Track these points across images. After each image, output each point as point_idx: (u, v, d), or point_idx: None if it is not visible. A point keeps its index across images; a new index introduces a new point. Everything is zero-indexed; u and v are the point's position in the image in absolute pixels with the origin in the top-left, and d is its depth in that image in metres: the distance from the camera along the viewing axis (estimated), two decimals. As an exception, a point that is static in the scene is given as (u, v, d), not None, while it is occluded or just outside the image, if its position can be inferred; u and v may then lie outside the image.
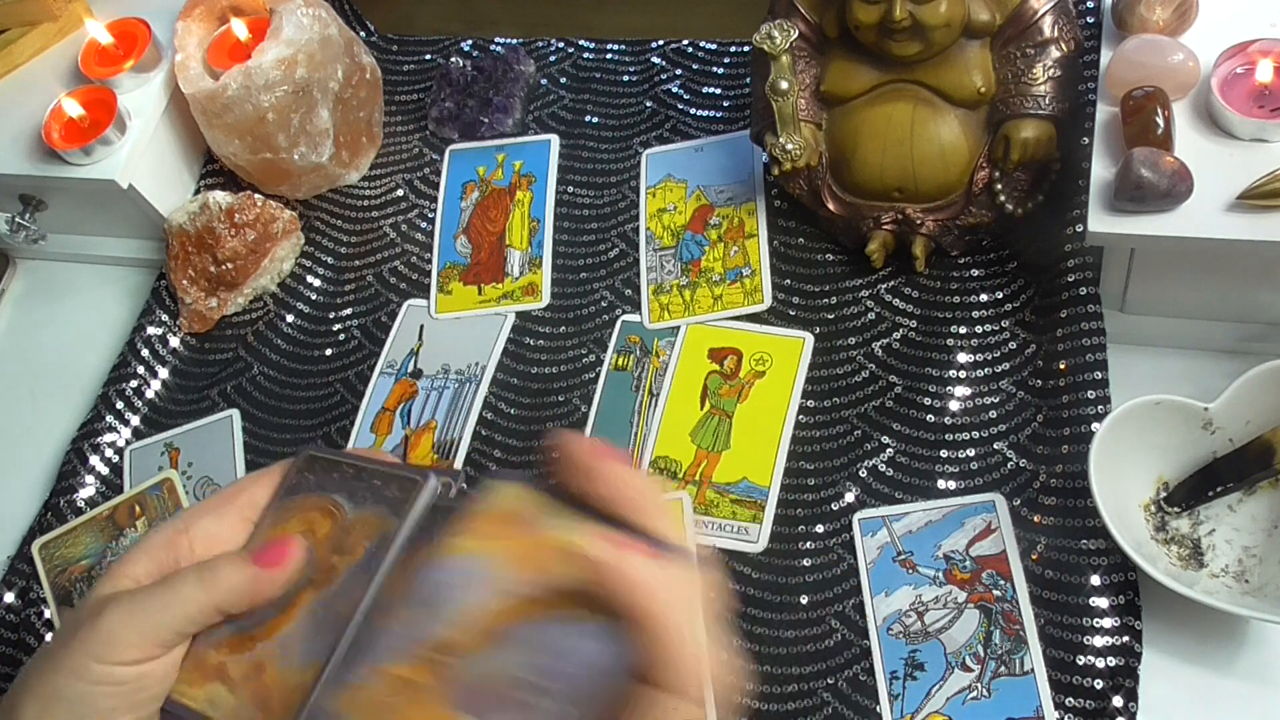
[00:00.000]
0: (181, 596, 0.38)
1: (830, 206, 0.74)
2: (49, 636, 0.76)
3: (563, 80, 0.92)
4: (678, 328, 0.77)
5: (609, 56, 0.92)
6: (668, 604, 0.33)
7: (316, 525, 0.41)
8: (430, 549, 0.37)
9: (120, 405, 0.84)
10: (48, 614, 0.77)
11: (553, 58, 0.94)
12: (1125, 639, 0.59)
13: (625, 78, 0.91)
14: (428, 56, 0.97)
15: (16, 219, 0.88)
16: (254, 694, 0.39)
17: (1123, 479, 0.61)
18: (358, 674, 0.36)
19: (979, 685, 0.61)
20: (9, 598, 0.79)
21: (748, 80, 0.87)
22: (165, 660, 0.39)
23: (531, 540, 0.35)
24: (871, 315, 0.75)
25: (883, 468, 0.69)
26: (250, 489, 0.43)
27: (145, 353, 0.86)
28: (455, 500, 0.39)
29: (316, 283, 0.88)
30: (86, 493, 0.81)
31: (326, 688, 0.37)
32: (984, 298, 0.73)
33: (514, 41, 0.94)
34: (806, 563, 0.68)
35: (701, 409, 0.74)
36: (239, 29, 0.86)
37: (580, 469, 0.35)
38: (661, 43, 0.91)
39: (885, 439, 0.70)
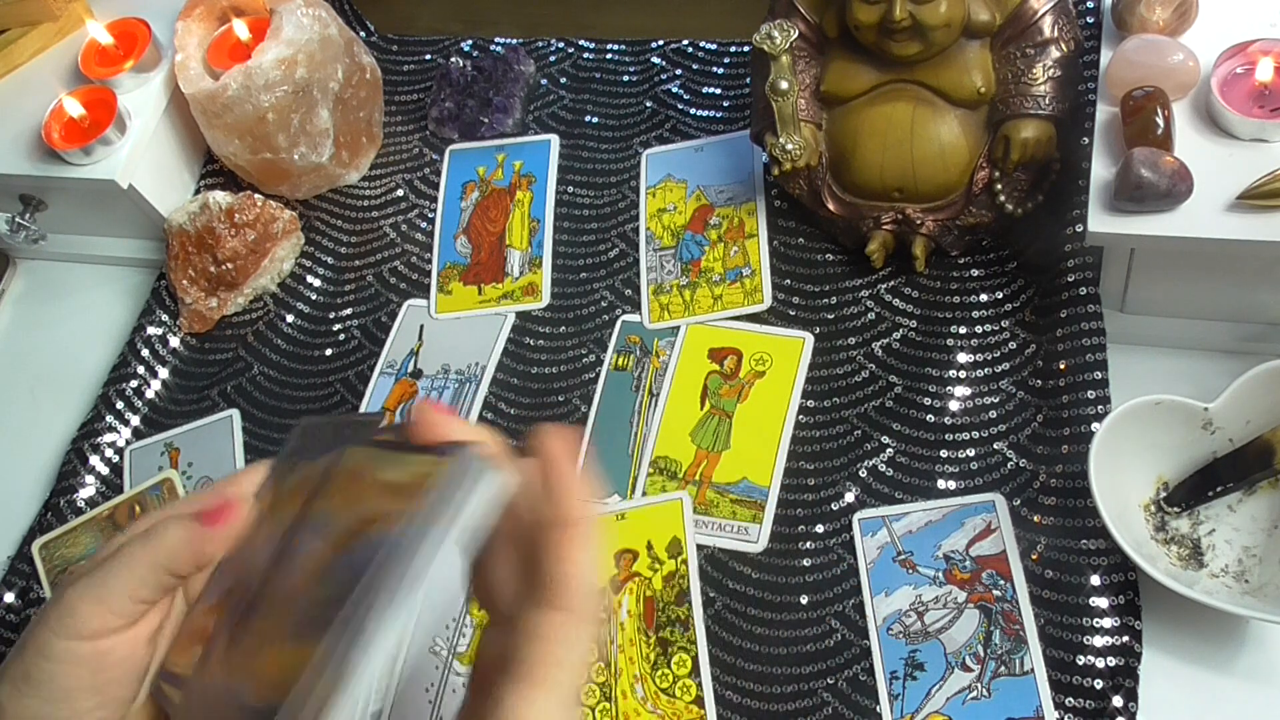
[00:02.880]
0: (126, 557, 0.38)
1: (830, 206, 0.74)
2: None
3: (563, 80, 0.92)
4: (678, 328, 0.77)
5: (609, 56, 0.92)
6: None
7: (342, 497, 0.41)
8: (301, 517, 0.40)
9: (120, 405, 0.84)
10: (48, 614, 0.77)
11: (553, 58, 0.94)
12: (1125, 639, 0.59)
13: (625, 78, 0.91)
14: (428, 56, 0.97)
15: (16, 219, 0.88)
16: (259, 665, 0.38)
17: (1123, 479, 0.61)
18: (234, 636, 0.39)
19: (979, 685, 0.61)
20: (9, 598, 0.79)
21: (748, 80, 0.87)
22: (127, 637, 0.38)
23: (361, 486, 0.39)
24: (871, 315, 0.75)
25: (883, 468, 0.69)
26: (239, 482, 0.43)
27: (145, 353, 0.86)
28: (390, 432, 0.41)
29: (316, 283, 0.88)
30: (86, 493, 0.81)
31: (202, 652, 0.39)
32: (984, 298, 0.73)
33: (514, 41, 0.94)
34: (806, 563, 0.68)
35: (701, 409, 0.74)
36: (239, 29, 0.86)
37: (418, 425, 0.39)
38: (661, 43, 0.91)
39: (885, 439, 0.70)
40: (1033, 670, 0.60)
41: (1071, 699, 0.59)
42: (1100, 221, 0.62)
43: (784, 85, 0.67)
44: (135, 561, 0.38)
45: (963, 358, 0.71)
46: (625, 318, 0.79)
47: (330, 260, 0.88)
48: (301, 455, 0.43)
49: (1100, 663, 0.59)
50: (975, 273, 0.74)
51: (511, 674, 0.36)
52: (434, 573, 0.36)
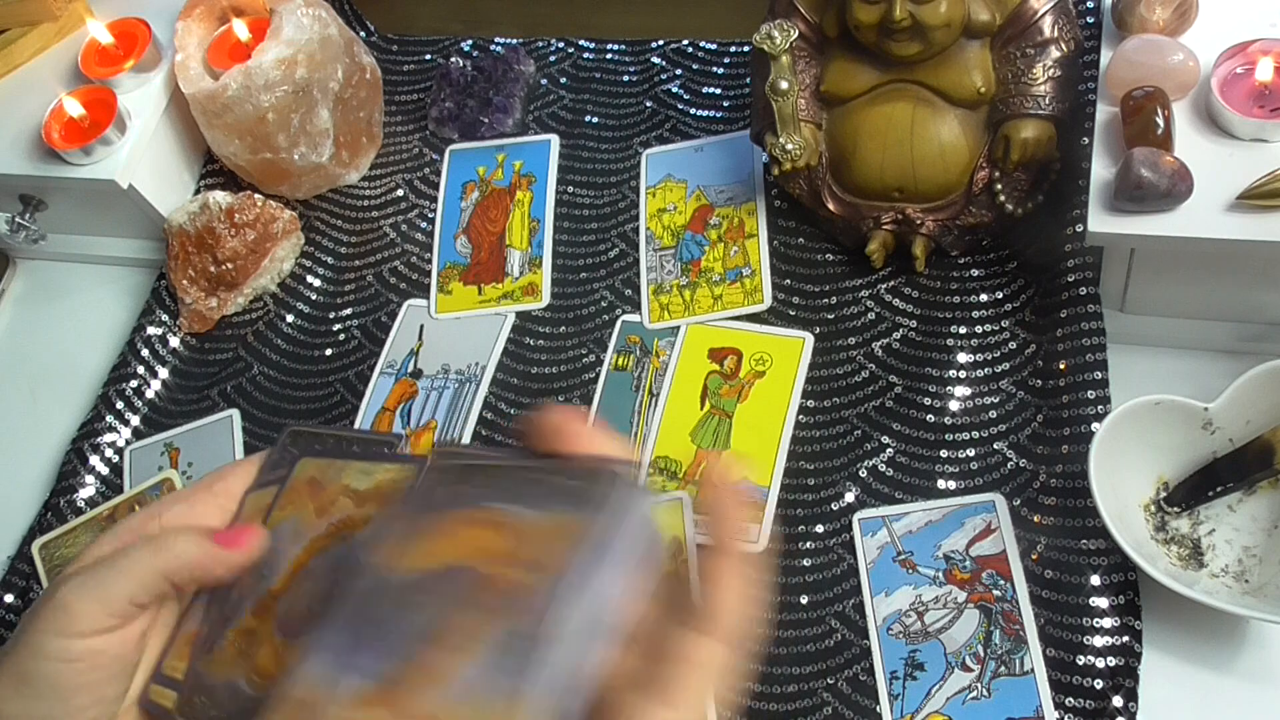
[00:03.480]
0: (131, 561, 0.38)
1: (830, 206, 0.74)
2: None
3: (563, 80, 0.92)
4: (678, 328, 0.77)
5: (609, 56, 0.92)
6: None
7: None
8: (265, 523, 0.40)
9: (120, 405, 0.84)
10: (48, 614, 0.77)
11: (553, 58, 0.94)
12: (1125, 639, 0.59)
13: (625, 78, 0.91)
14: (428, 56, 0.97)
15: (16, 219, 0.88)
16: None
17: (1123, 479, 0.61)
18: (221, 636, 0.39)
19: (979, 685, 0.61)
20: (9, 598, 0.79)
21: (748, 80, 0.87)
22: (120, 636, 0.38)
23: (325, 494, 0.40)
24: (871, 315, 0.75)
25: (883, 468, 0.69)
26: (227, 478, 0.43)
27: (145, 353, 0.86)
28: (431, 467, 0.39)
29: (316, 283, 0.88)
30: (86, 493, 0.81)
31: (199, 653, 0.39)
32: (984, 298, 0.73)
33: (514, 41, 0.94)
34: (806, 563, 0.68)
35: (701, 409, 0.74)
36: (239, 29, 0.86)
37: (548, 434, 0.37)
38: (661, 43, 0.91)
39: (885, 439, 0.70)
40: (1033, 670, 0.60)
41: (1071, 699, 0.59)
42: (1100, 221, 0.62)
43: (784, 85, 0.67)
44: (140, 567, 0.38)
45: (963, 358, 0.71)
46: (625, 318, 0.79)
47: (330, 260, 0.88)
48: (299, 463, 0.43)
49: (1100, 663, 0.59)
50: (975, 273, 0.74)
51: (647, 691, 0.35)
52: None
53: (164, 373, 0.86)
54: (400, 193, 0.90)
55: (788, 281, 0.77)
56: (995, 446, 0.68)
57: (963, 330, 0.72)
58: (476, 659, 0.32)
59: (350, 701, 0.32)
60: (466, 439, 0.76)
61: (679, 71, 0.90)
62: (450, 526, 0.36)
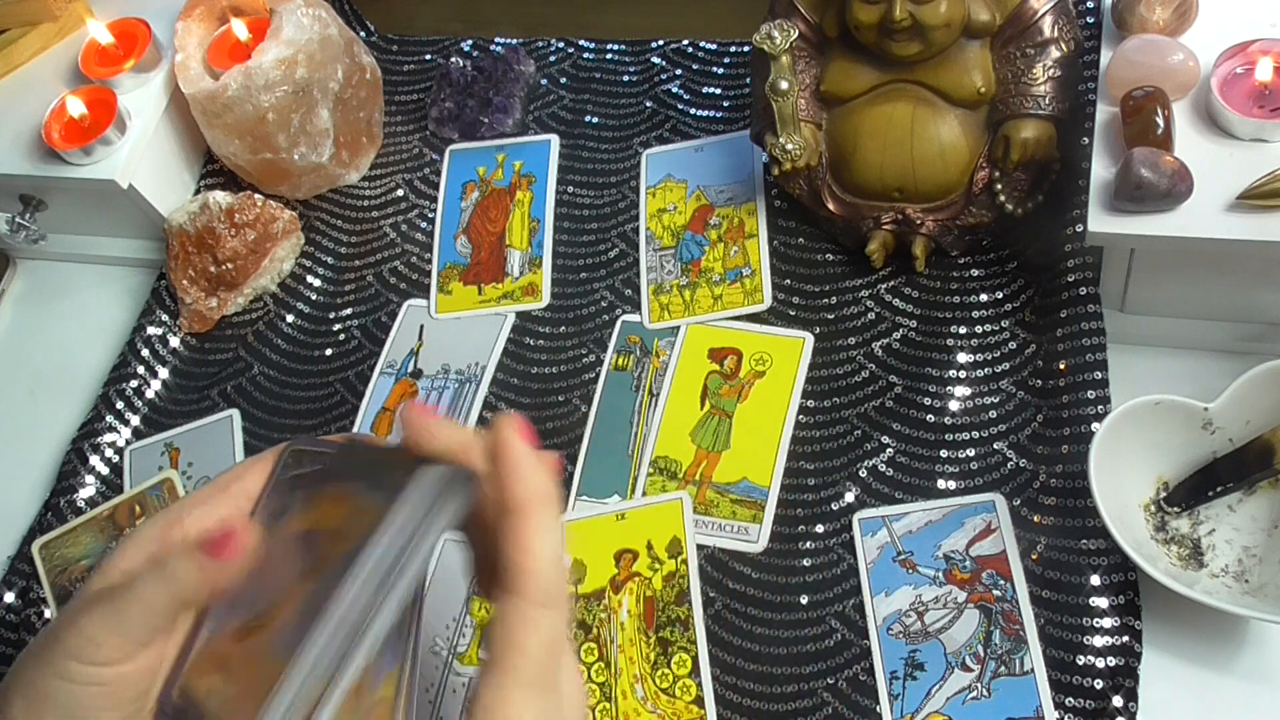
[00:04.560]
0: (144, 591, 0.39)
1: (830, 206, 0.74)
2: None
3: (563, 80, 0.92)
4: (678, 328, 0.77)
5: (609, 56, 0.92)
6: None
7: (324, 516, 0.42)
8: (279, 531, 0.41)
9: (120, 405, 0.84)
10: (48, 614, 0.77)
11: (553, 58, 0.94)
12: (1125, 639, 0.59)
13: (625, 78, 0.91)
14: (428, 56, 0.97)
15: (16, 219, 0.88)
16: (250, 683, 0.39)
17: (1123, 479, 0.61)
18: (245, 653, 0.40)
19: (979, 685, 0.61)
20: (9, 598, 0.79)
21: (748, 80, 0.87)
22: (147, 657, 0.39)
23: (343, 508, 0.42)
24: (871, 315, 0.75)
25: (883, 468, 0.69)
26: (243, 477, 0.43)
27: (145, 353, 0.86)
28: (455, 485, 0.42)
29: (316, 283, 0.88)
30: (86, 493, 0.81)
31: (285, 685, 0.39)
32: (984, 298, 0.73)
33: (514, 41, 0.94)
34: (806, 563, 0.68)
35: (701, 409, 0.74)
36: (239, 29, 0.86)
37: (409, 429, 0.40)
38: (661, 43, 0.91)
39: (885, 439, 0.70)
40: (1033, 670, 0.60)
41: (1071, 699, 0.59)
42: (1100, 221, 0.62)
43: (784, 85, 0.67)
44: (153, 597, 0.39)
45: (963, 358, 0.71)
46: (625, 318, 0.79)
47: (330, 260, 0.88)
48: (302, 481, 0.43)
49: (1100, 663, 0.59)
50: (975, 273, 0.74)
51: (485, 665, 0.37)
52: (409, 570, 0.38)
53: (164, 373, 0.86)
54: (400, 193, 0.90)
55: (788, 281, 0.77)
56: (995, 446, 0.68)
57: (963, 330, 0.72)
58: (288, 615, 0.38)
59: (221, 639, 0.39)
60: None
61: (679, 71, 0.90)
62: (319, 499, 0.41)
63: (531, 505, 0.38)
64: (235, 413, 0.82)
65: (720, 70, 0.89)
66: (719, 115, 0.87)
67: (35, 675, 0.38)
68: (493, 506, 0.39)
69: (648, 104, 0.89)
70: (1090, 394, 0.66)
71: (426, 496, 0.39)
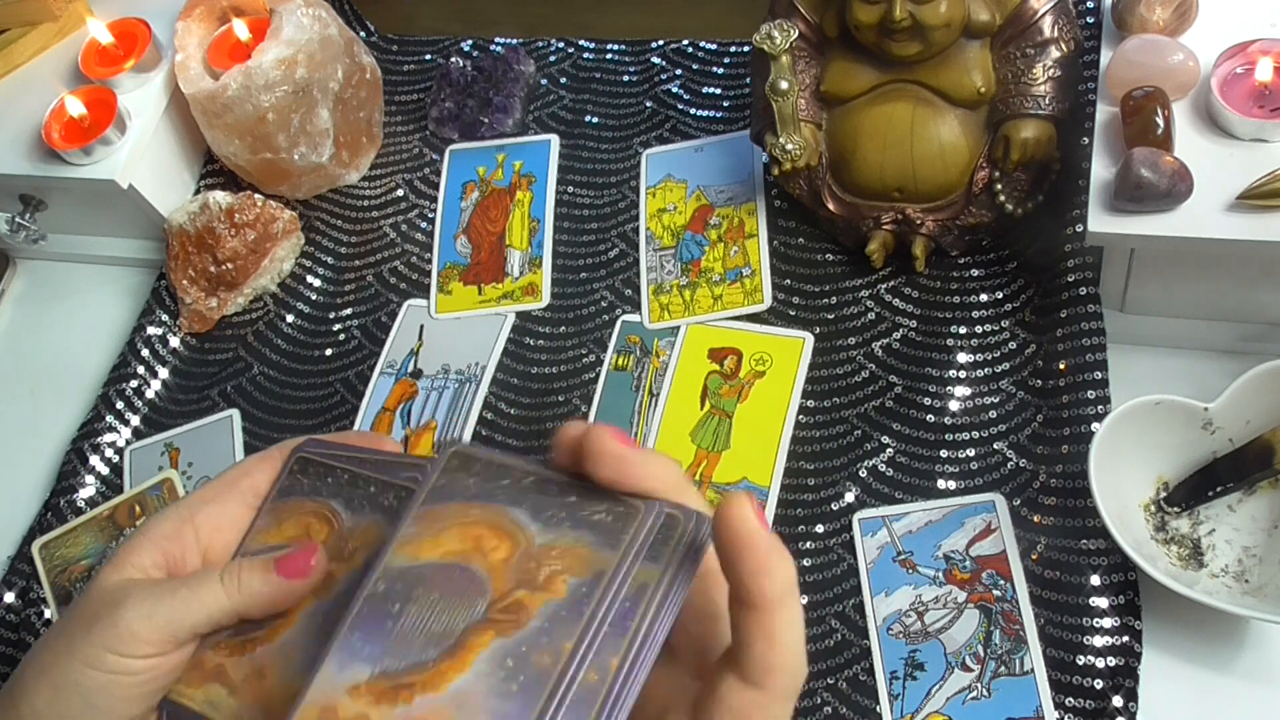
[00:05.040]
0: (204, 598, 0.39)
1: (830, 206, 0.74)
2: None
3: (563, 80, 0.92)
4: (678, 328, 0.77)
5: (609, 56, 0.92)
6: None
7: (314, 530, 0.41)
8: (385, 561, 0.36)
9: (120, 405, 0.84)
10: (48, 614, 0.77)
11: (553, 58, 0.94)
12: (1125, 639, 0.59)
13: (625, 78, 0.91)
14: (428, 56, 0.97)
15: (16, 219, 0.88)
16: (256, 698, 0.39)
17: (1123, 479, 0.61)
18: (337, 690, 0.34)
19: (979, 685, 0.61)
20: (9, 598, 0.79)
21: (748, 80, 0.87)
22: (176, 655, 0.39)
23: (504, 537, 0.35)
24: (871, 315, 0.75)
25: (883, 468, 0.69)
26: (251, 474, 0.43)
27: (145, 353, 0.86)
28: None
29: (316, 283, 0.88)
30: (86, 493, 0.81)
31: (313, 695, 0.34)
32: (984, 298, 0.73)
33: (514, 41, 0.94)
34: (806, 563, 0.68)
35: (701, 409, 0.74)
36: (239, 29, 0.86)
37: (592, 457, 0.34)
38: (661, 43, 0.91)
39: (885, 439, 0.70)
40: (1033, 670, 0.60)
41: (1071, 699, 0.59)
42: (1100, 221, 0.62)
43: (784, 85, 0.67)
44: (211, 603, 0.39)
45: (963, 358, 0.71)
46: (625, 318, 0.79)
47: (330, 260, 0.88)
48: (306, 493, 0.42)
49: (1100, 663, 0.59)
50: (975, 273, 0.74)
51: None
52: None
53: (164, 373, 0.86)
54: (400, 193, 0.90)
55: (788, 281, 0.77)
56: (995, 446, 0.68)
57: (963, 330, 0.72)
58: (470, 671, 0.31)
59: (348, 689, 0.33)
60: (467, 439, 0.76)
61: (679, 71, 0.90)
62: (458, 520, 0.35)
63: (783, 601, 0.33)
64: (235, 413, 0.82)
65: (720, 70, 0.89)
66: (719, 115, 0.87)
67: (63, 664, 0.38)
68: (714, 582, 0.35)
69: (648, 104, 0.89)
70: (1090, 394, 0.66)
71: (657, 545, 0.33)
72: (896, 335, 0.74)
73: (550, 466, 0.36)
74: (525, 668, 0.31)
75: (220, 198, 0.86)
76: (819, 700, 0.63)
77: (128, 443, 0.83)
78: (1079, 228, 0.68)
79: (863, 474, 0.69)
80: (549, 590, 0.32)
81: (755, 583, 0.33)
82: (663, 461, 0.35)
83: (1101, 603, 0.60)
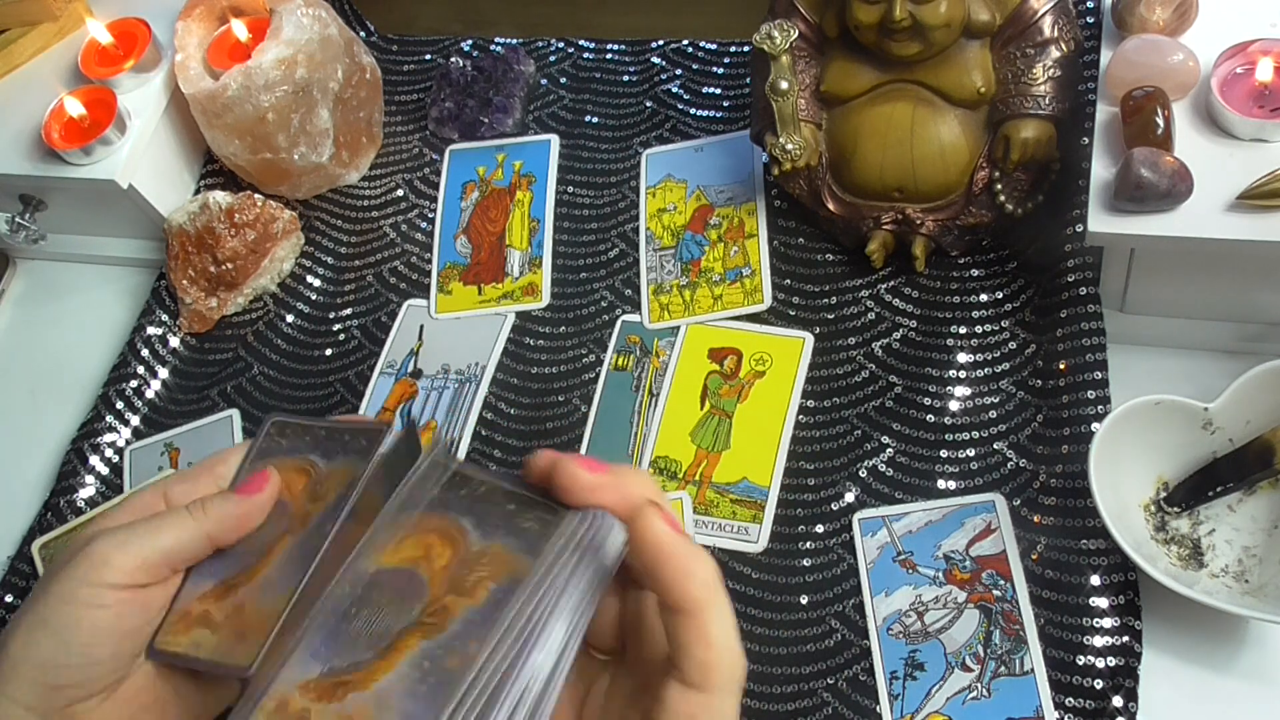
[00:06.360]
0: (174, 523, 0.41)
1: (830, 206, 0.74)
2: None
3: (563, 80, 0.92)
4: (678, 328, 0.77)
5: (609, 56, 0.92)
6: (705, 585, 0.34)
7: (292, 482, 0.43)
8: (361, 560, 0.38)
9: (120, 405, 0.84)
10: (48, 614, 0.77)
11: (553, 58, 0.94)
12: (1125, 639, 0.59)
13: (625, 78, 0.91)
14: (428, 56, 0.97)
15: (16, 219, 0.88)
16: (234, 629, 0.39)
17: (1123, 479, 0.61)
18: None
19: (979, 685, 0.61)
20: (9, 598, 0.79)
21: (748, 80, 0.87)
22: (148, 596, 0.40)
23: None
24: (871, 315, 0.75)
25: (883, 468, 0.69)
26: (228, 460, 0.45)
27: (145, 353, 0.86)
28: (408, 451, 0.41)
29: (316, 283, 0.88)
30: (86, 493, 0.81)
31: (296, 627, 0.37)
32: (984, 298, 0.73)
33: (514, 41, 0.94)
34: (806, 563, 0.68)
35: (701, 409, 0.74)
36: (239, 29, 0.86)
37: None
38: (661, 43, 0.91)
39: (885, 439, 0.70)
40: (1033, 670, 0.60)
41: (1071, 699, 0.59)
42: (1100, 221, 0.62)
43: (784, 85, 0.67)
44: (184, 529, 0.40)
45: (963, 358, 0.71)
46: (625, 318, 0.79)
47: (330, 260, 0.88)
48: (284, 452, 0.44)
49: (1100, 663, 0.59)
50: (975, 273, 0.74)
51: None
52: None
53: (164, 373, 0.86)
54: (400, 193, 0.90)
55: (788, 281, 0.77)
56: (995, 446, 0.68)
57: (963, 330, 0.72)
58: (394, 672, 0.33)
59: (300, 685, 0.35)
60: (466, 439, 0.76)
61: (679, 71, 0.90)
62: (418, 528, 0.37)
63: (710, 601, 0.34)
64: (235, 413, 0.82)
65: (720, 70, 0.89)
66: (719, 115, 0.87)
67: (34, 606, 0.39)
68: (637, 579, 0.36)
69: (648, 104, 0.89)
70: (1090, 394, 0.66)
71: (577, 540, 0.35)
72: (896, 335, 0.74)
73: (508, 478, 0.38)
74: (438, 670, 0.33)
75: (220, 198, 0.86)
76: (819, 700, 0.63)
77: (128, 443, 0.83)
78: (1079, 228, 0.68)
79: (863, 474, 0.69)
80: (472, 596, 0.34)
81: (680, 588, 0.34)
82: (634, 479, 0.36)
83: (1101, 603, 0.60)
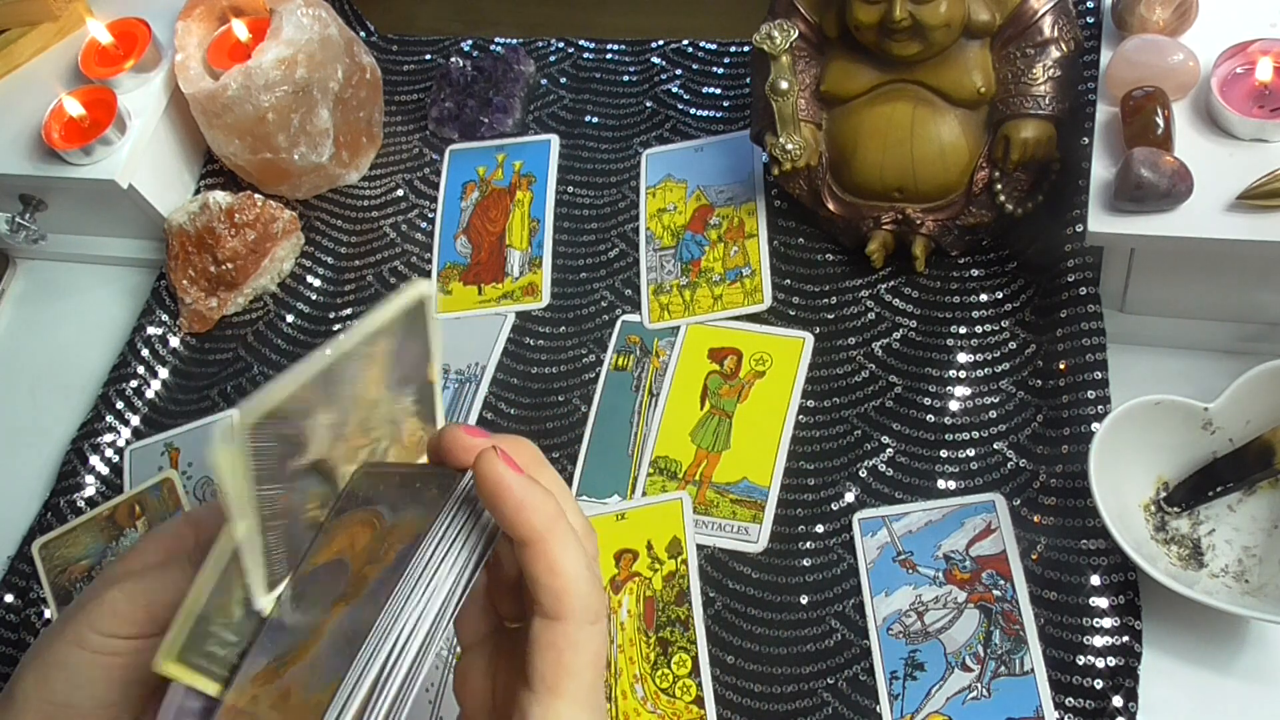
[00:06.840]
0: (177, 577, 0.40)
1: (830, 206, 0.74)
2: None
3: (563, 80, 0.92)
4: (678, 328, 0.77)
5: (609, 56, 0.92)
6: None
7: (357, 539, 0.41)
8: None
9: (120, 405, 0.84)
10: (48, 614, 0.77)
11: (553, 58, 0.94)
12: (1125, 639, 0.59)
13: (625, 78, 0.91)
14: (428, 56, 0.97)
15: (16, 219, 0.88)
16: (288, 712, 0.38)
17: (1123, 479, 0.61)
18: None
19: (979, 685, 0.61)
20: (9, 598, 0.79)
21: (748, 80, 0.87)
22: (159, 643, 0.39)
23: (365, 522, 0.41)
24: (871, 315, 0.75)
25: (883, 468, 0.69)
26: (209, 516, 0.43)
27: (145, 353, 0.86)
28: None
29: (316, 283, 0.88)
30: (86, 493, 0.81)
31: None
32: (984, 298, 0.73)
33: (514, 41, 0.94)
34: (806, 563, 0.68)
35: (701, 409, 0.74)
36: (239, 29, 0.86)
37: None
38: (661, 43, 0.91)
39: (885, 439, 0.70)
40: (1033, 670, 0.60)
41: (1071, 699, 0.59)
42: (1100, 221, 0.62)
43: (784, 85, 0.67)
44: (185, 581, 0.39)
45: (963, 358, 0.71)
46: (625, 318, 0.79)
47: (330, 260, 0.88)
48: (359, 504, 0.43)
49: (1100, 663, 0.59)
50: (975, 273, 0.74)
51: (532, 687, 0.36)
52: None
53: (164, 373, 0.86)
54: (400, 193, 0.90)
55: (788, 281, 0.77)
56: (995, 446, 0.68)
57: (963, 330, 0.72)
58: (325, 638, 0.36)
59: (251, 678, 0.37)
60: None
61: (679, 71, 0.90)
62: (347, 524, 0.40)
63: (550, 530, 0.36)
64: (235, 413, 0.82)
65: (720, 70, 0.89)
66: (719, 115, 0.87)
67: (48, 645, 0.39)
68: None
69: (648, 104, 0.89)
70: (1090, 394, 0.66)
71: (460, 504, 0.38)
72: (896, 335, 0.74)
73: (421, 464, 0.42)
74: (356, 625, 0.36)
75: (220, 198, 0.86)
76: (819, 700, 0.63)
77: (128, 443, 0.83)
78: (1079, 228, 0.68)
79: (863, 474, 0.69)
80: (385, 560, 0.37)
81: (520, 519, 0.36)
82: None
83: (1101, 603, 0.60)
